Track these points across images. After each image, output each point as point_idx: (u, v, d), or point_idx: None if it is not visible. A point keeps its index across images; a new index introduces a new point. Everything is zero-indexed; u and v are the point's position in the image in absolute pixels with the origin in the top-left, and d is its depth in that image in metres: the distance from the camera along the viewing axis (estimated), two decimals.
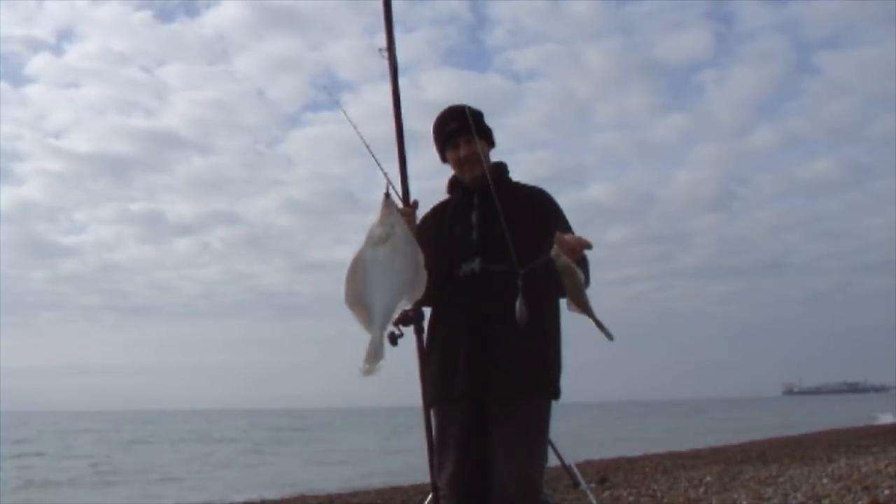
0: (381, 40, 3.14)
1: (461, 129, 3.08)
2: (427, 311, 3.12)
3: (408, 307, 2.81)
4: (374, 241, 2.75)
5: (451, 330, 3.02)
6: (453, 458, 2.95)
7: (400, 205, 2.98)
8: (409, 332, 3.09)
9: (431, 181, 3.30)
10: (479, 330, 2.95)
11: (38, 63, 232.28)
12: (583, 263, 2.86)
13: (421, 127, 3.28)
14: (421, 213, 3.09)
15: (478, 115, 3.14)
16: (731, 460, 12.63)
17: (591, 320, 2.73)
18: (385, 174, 3.08)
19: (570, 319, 3.07)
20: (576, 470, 4.12)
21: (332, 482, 13.92)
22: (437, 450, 3.01)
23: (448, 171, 3.20)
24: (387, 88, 3.15)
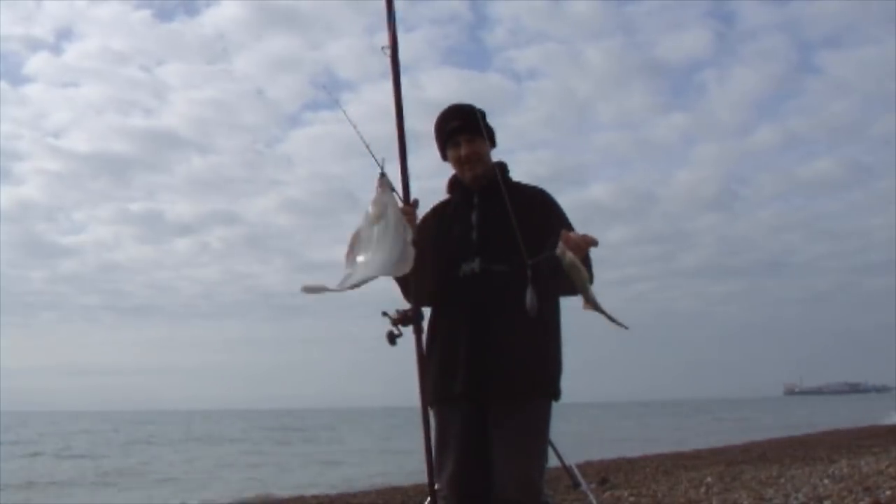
0: (381, 40, 3.13)
1: (463, 128, 3.07)
2: (427, 311, 3.11)
3: (391, 273, 2.85)
4: (369, 220, 2.85)
5: (451, 330, 3.01)
6: (453, 459, 2.94)
7: (400, 191, 3.00)
8: (408, 331, 3.08)
9: (431, 181, 3.29)
10: (479, 330, 2.94)
11: (37, 62, 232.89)
12: (586, 261, 2.86)
13: (421, 127, 3.28)
14: (421, 212, 3.08)
15: (480, 114, 3.13)
16: (732, 461, 12.62)
17: (603, 316, 2.75)
18: (384, 173, 3.07)
19: (570, 319, 3.07)
20: (576, 470, 4.11)
21: (333, 482, 13.92)
22: (437, 450, 3.00)
23: (448, 171, 3.19)
24: (387, 88, 3.14)
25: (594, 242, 2.75)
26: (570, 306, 3.09)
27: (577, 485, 4.18)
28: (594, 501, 4.85)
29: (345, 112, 3.28)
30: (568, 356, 3.06)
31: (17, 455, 23.40)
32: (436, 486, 3.01)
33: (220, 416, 74.03)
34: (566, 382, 3.04)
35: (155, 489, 14.86)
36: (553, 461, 3.34)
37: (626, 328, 2.75)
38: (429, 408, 3.04)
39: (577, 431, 27.50)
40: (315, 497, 11.33)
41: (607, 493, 8.67)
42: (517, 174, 3.17)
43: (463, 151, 3.07)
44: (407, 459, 15.92)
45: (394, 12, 3.13)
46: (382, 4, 3.15)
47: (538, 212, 3.00)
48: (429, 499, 3.08)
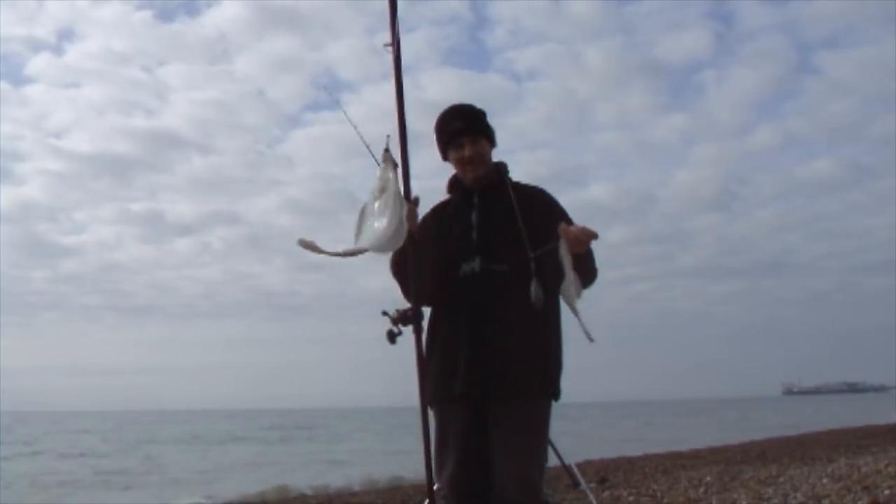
0: (382, 40, 3.14)
1: (466, 129, 3.08)
2: (427, 310, 3.12)
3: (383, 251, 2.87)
4: (374, 195, 2.90)
5: (451, 330, 3.01)
6: (453, 459, 2.95)
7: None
8: (408, 331, 3.09)
9: (432, 181, 3.30)
10: (479, 330, 2.95)
11: (38, 63, 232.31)
12: (587, 255, 2.88)
13: (421, 127, 3.28)
14: (421, 210, 3.08)
15: (482, 115, 3.14)
16: (731, 460, 12.63)
17: (576, 318, 2.76)
18: (388, 149, 3.05)
19: (570, 319, 3.08)
20: (576, 470, 4.12)
21: (333, 482, 13.92)
22: (437, 450, 3.01)
23: (448, 172, 3.20)
24: (388, 88, 3.15)
25: (594, 235, 2.77)
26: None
27: (576, 484, 4.20)
28: (594, 501, 4.86)
29: (345, 112, 3.29)
30: (567, 356, 3.07)
31: (18, 455, 23.39)
32: (436, 486, 3.02)
33: (221, 416, 73.99)
34: (566, 382, 3.05)
35: (156, 489, 14.86)
36: (553, 460, 3.35)
37: (592, 340, 2.74)
38: (429, 408, 3.05)
39: (577, 431, 27.51)
40: (315, 497, 11.34)
41: (607, 493, 8.68)
42: (517, 174, 3.18)
43: (466, 153, 3.07)
44: (407, 459, 15.91)
45: (396, 10, 3.14)
46: (383, 5, 3.15)
47: (539, 211, 3.01)
48: (428, 499, 3.09)
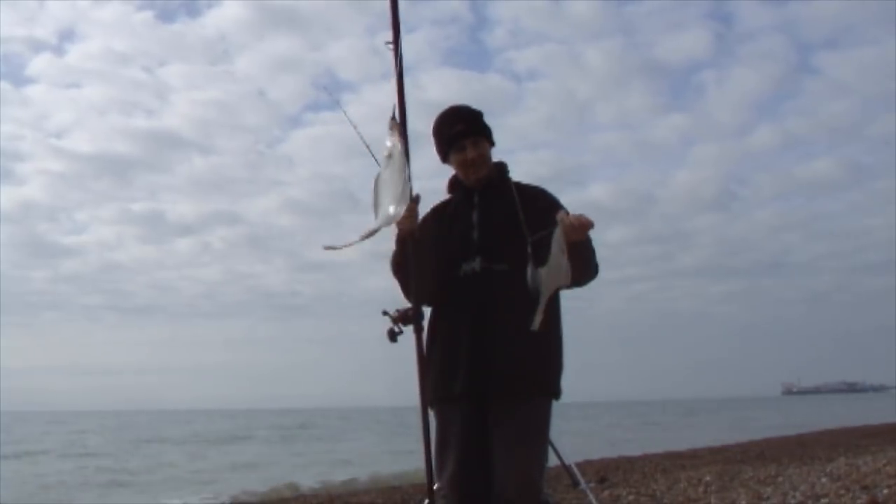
0: (382, 41, 3.15)
1: (467, 131, 3.09)
2: (427, 310, 3.12)
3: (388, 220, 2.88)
4: (384, 163, 2.96)
5: (451, 330, 3.02)
6: (454, 458, 2.96)
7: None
8: (409, 331, 3.10)
9: (432, 181, 3.30)
10: (480, 330, 2.96)
11: (39, 63, 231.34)
12: (586, 245, 2.89)
13: (422, 127, 3.29)
14: (422, 209, 3.08)
15: (480, 116, 3.15)
16: (731, 460, 12.64)
17: (542, 300, 2.76)
18: (394, 117, 3.06)
19: (571, 319, 3.09)
20: (575, 469, 4.13)
21: (333, 481, 13.93)
22: (437, 450, 3.02)
23: (448, 171, 3.21)
24: (388, 88, 3.15)
25: (590, 224, 2.80)
26: (570, 306, 3.12)
27: (576, 484, 4.20)
28: (593, 500, 4.87)
29: (345, 113, 3.30)
30: (567, 355, 3.07)
31: (19, 455, 23.39)
32: (436, 486, 3.03)
33: (222, 416, 73.96)
34: (566, 381, 3.06)
35: (156, 489, 14.86)
36: (552, 460, 3.36)
37: (534, 328, 2.77)
38: (429, 407, 3.06)
39: (577, 430, 27.52)
40: (315, 497, 11.34)
41: (606, 492, 8.69)
42: (517, 175, 3.19)
43: (469, 155, 3.08)
44: (407, 459, 15.93)
45: (398, 8, 3.15)
46: (383, 5, 3.16)
47: (540, 210, 3.02)
48: (428, 499, 3.10)
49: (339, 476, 14.95)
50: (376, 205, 2.91)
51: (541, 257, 2.79)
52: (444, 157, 3.17)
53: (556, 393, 3.04)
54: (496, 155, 3.18)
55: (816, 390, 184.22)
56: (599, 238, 2.79)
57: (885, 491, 7.15)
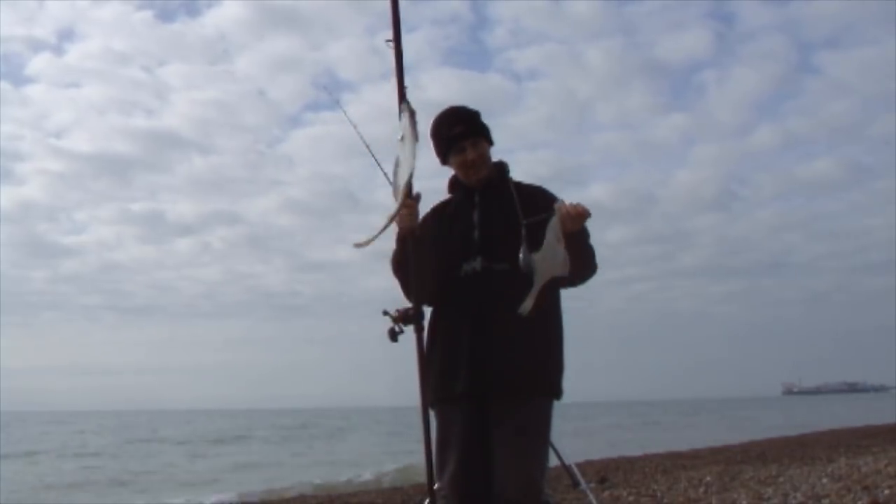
0: (381, 40, 3.14)
1: (466, 132, 3.08)
2: (427, 310, 3.11)
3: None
4: (398, 146, 3.00)
5: (452, 330, 3.01)
6: (455, 459, 2.95)
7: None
8: (409, 331, 3.09)
9: (432, 181, 3.30)
10: (481, 330, 2.95)
11: (38, 63, 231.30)
12: (582, 234, 2.89)
13: (422, 127, 3.27)
14: (423, 207, 3.07)
15: (478, 116, 3.15)
16: (731, 460, 12.63)
17: (536, 285, 2.80)
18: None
19: (571, 319, 3.08)
20: (575, 470, 4.13)
21: (333, 482, 13.92)
22: (438, 450, 3.01)
23: (447, 171, 3.20)
24: (387, 88, 3.15)
25: (587, 213, 2.82)
26: (570, 306, 3.11)
27: (576, 484, 4.20)
28: (593, 501, 4.87)
29: (345, 113, 3.30)
30: (567, 355, 3.07)
31: (19, 455, 23.40)
32: (436, 486, 3.02)
33: (222, 416, 74.00)
34: (567, 381, 3.05)
35: (156, 489, 14.86)
36: (553, 460, 3.35)
37: (524, 313, 2.82)
38: (430, 407, 3.05)
39: (577, 430, 27.52)
40: (315, 497, 11.34)
41: (606, 493, 8.68)
42: (517, 174, 3.19)
43: (469, 156, 3.07)
44: (407, 459, 15.93)
45: (398, 5, 3.14)
46: (383, 5, 3.15)
47: (540, 209, 3.01)
48: (429, 498, 3.09)
49: (339, 476, 14.94)
50: (395, 186, 2.96)
51: (534, 242, 2.82)
52: (444, 159, 3.16)
53: (558, 393, 3.03)
54: (495, 154, 3.18)
55: (817, 390, 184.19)
56: (599, 238, 2.79)
57: (887, 491, 7.15)
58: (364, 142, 3.31)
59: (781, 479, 8.96)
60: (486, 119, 3.17)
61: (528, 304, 2.80)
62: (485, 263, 2.99)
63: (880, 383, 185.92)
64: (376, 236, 2.91)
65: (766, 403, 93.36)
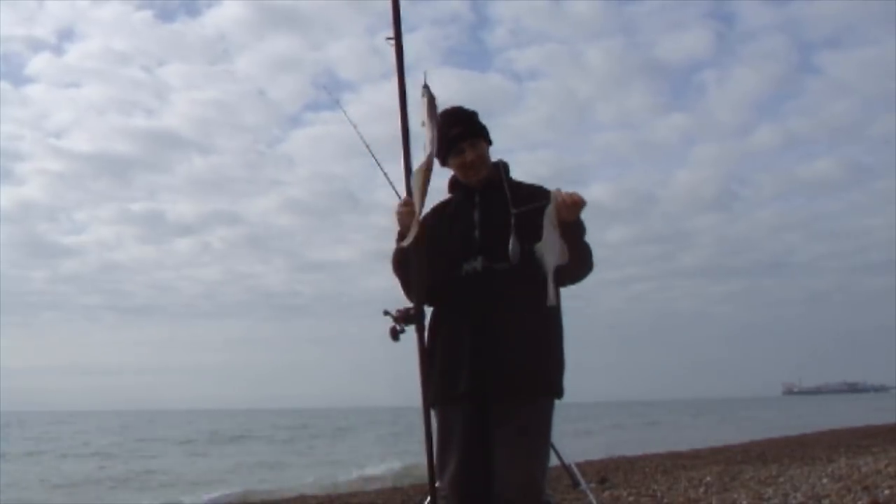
0: (382, 40, 3.15)
1: (465, 133, 3.08)
2: (428, 310, 3.11)
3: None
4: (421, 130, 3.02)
5: (453, 330, 3.01)
6: (455, 459, 2.95)
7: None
8: (410, 330, 3.09)
9: (434, 181, 3.29)
10: (481, 330, 2.95)
11: (38, 63, 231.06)
12: (577, 228, 2.89)
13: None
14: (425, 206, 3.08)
15: (476, 116, 3.14)
16: (731, 460, 12.63)
17: (549, 276, 2.83)
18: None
19: (571, 319, 3.08)
20: (576, 470, 4.12)
21: (333, 482, 13.92)
22: (439, 450, 3.01)
23: (447, 171, 3.20)
24: (387, 87, 3.15)
25: (582, 202, 2.84)
26: (570, 306, 3.11)
27: (576, 484, 4.19)
28: (594, 501, 4.86)
29: (345, 112, 3.31)
30: (567, 355, 3.07)
31: (20, 456, 23.41)
32: (437, 486, 3.02)
33: (222, 416, 73.99)
34: (567, 381, 3.04)
35: (156, 489, 14.86)
36: (553, 460, 3.35)
37: (552, 304, 2.86)
38: (431, 408, 3.05)
39: (577, 430, 27.53)
40: (315, 497, 11.34)
41: (607, 493, 8.68)
42: (517, 174, 3.19)
43: (468, 157, 3.07)
44: (407, 459, 15.93)
45: (398, 4, 3.14)
46: (384, 5, 3.16)
47: (541, 207, 3.01)
48: (429, 498, 3.09)
49: (339, 476, 14.94)
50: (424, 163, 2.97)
51: (528, 235, 2.84)
52: (443, 161, 3.15)
53: (559, 392, 3.03)
54: (495, 154, 3.18)
55: (817, 390, 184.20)
56: (599, 238, 2.79)
57: (887, 492, 7.15)
58: (364, 142, 3.32)
59: (781, 480, 8.96)
60: (486, 119, 3.17)
61: (551, 296, 2.82)
62: (486, 263, 2.99)
63: (880, 383, 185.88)
64: (417, 224, 2.91)
65: (766, 403, 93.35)
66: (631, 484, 9.68)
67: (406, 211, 2.98)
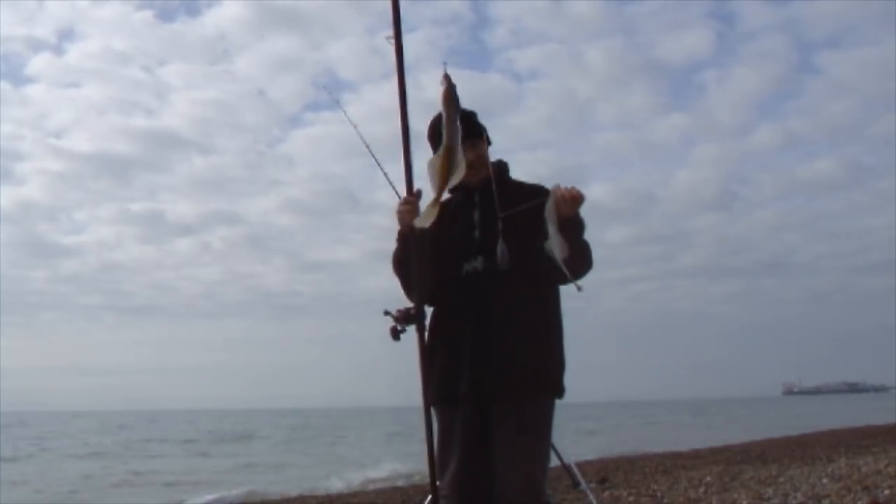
0: (382, 40, 3.14)
1: (465, 134, 3.07)
2: (429, 310, 3.11)
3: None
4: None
5: (454, 330, 3.01)
6: (456, 459, 2.94)
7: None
8: (411, 330, 3.09)
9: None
10: (482, 329, 2.94)
11: (38, 63, 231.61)
12: (575, 224, 2.89)
13: (423, 126, 3.28)
14: (423, 207, 3.07)
15: (475, 116, 3.14)
16: (731, 460, 12.63)
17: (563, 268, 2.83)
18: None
19: (571, 319, 3.08)
20: (576, 470, 4.12)
21: (333, 482, 13.93)
22: (439, 450, 3.00)
23: None
24: (387, 87, 3.15)
25: (581, 197, 2.83)
26: (570, 306, 3.11)
27: (576, 484, 4.19)
28: (594, 501, 4.86)
29: (345, 112, 3.31)
30: (568, 355, 3.06)
31: (21, 457, 23.40)
32: (437, 485, 3.02)
33: (222, 416, 74.00)
34: (567, 381, 3.04)
35: (156, 489, 14.87)
36: (553, 460, 3.35)
37: (580, 289, 2.87)
38: (431, 408, 3.05)
39: (577, 430, 27.54)
40: (315, 497, 11.34)
41: (607, 493, 8.68)
42: (517, 174, 3.18)
43: (469, 157, 3.06)
44: (408, 459, 15.94)
45: (398, 3, 3.13)
46: (384, 5, 3.14)
47: (541, 207, 3.00)
48: (430, 497, 3.09)
49: (339, 476, 14.95)
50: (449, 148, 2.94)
51: (516, 235, 2.86)
52: None
53: (560, 392, 3.02)
54: (495, 154, 3.17)
55: (817, 391, 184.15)
56: (599, 238, 2.79)
57: (887, 492, 7.14)
58: (364, 142, 3.31)
59: (781, 479, 8.96)
60: (486, 119, 3.16)
61: (569, 276, 2.84)
62: (486, 263, 2.98)
63: (880, 383, 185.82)
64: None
65: (766, 403, 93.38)
66: (631, 484, 9.67)
67: (407, 210, 2.97)
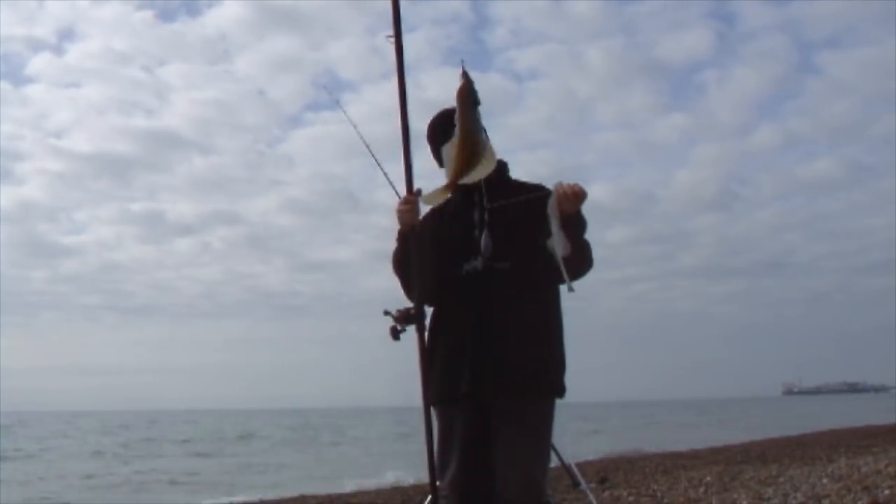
0: (382, 40, 3.14)
1: None
2: (429, 309, 3.11)
3: None
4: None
5: (454, 330, 3.00)
6: (456, 459, 2.94)
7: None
8: (411, 330, 3.09)
9: (434, 181, 3.29)
10: (482, 329, 2.94)
11: (38, 63, 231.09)
12: (577, 222, 2.88)
13: (423, 126, 3.28)
14: (423, 208, 3.07)
15: None
16: (731, 460, 12.64)
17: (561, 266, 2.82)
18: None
19: (571, 319, 3.08)
20: (576, 470, 4.12)
21: (332, 482, 13.93)
22: (439, 451, 3.00)
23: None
24: (388, 87, 3.15)
25: (583, 193, 2.83)
26: (570, 306, 3.10)
27: (576, 484, 4.19)
28: (594, 501, 4.86)
29: (345, 112, 3.31)
30: (567, 355, 3.06)
31: (21, 456, 23.40)
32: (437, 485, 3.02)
33: (222, 416, 73.99)
34: (567, 381, 3.04)
35: (156, 490, 14.88)
36: (553, 460, 3.35)
37: (572, 290, 2.87)
38: (432, 407, 3.04)
39: (577, 430, 27.53)
40: (315, 497, 11.34)
41: (607, 493, 8.68)
42: (517, 174, 3.17)
43: None
44: (408, 459, 15.93)
45: (398, 2, 3.13)
46: (384, 5, 3.14)
47: (541, 206, 3.00)
48: (430, 497, 3.09)
49: (339, 476, 14.95)
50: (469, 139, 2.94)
51: (505, 230, 2.87)
52: (441, 162, 3.14)
53: (560, 392, 3.02)
54: (496, 154, 3.16)
55: (817, 391, 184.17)
56: (599, 238, 2.78)
57: (887, 492, 7.15)
58: (364, 142, 3.31)
59: (781, 480, 8.96)
60: (486, 119, 3.13)
61: (567, 279, 2.84)
62: (486, 262, 2.98)
63: (880, 383, 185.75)
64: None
65: (766, 403, 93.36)
66: (631, 484, 9.68)
67: (407, 209, 2.97)
